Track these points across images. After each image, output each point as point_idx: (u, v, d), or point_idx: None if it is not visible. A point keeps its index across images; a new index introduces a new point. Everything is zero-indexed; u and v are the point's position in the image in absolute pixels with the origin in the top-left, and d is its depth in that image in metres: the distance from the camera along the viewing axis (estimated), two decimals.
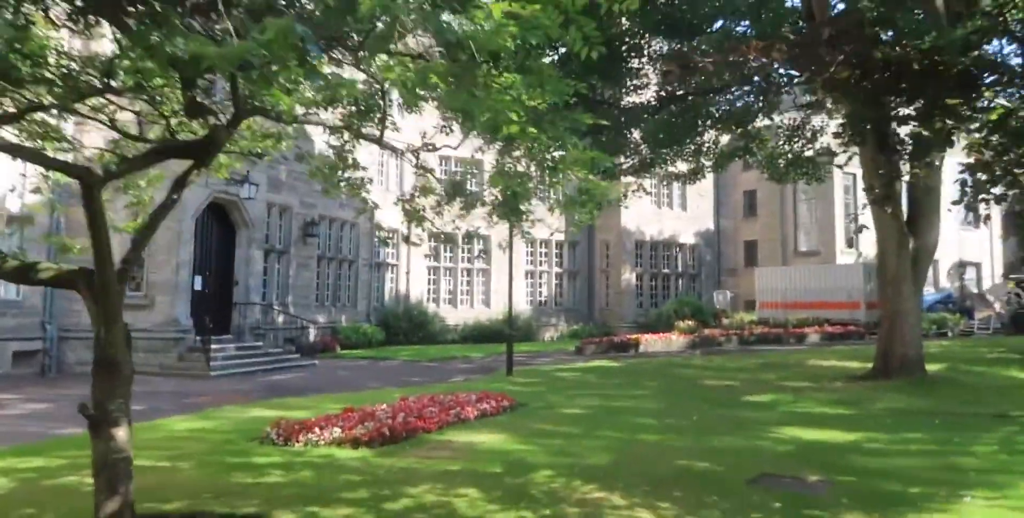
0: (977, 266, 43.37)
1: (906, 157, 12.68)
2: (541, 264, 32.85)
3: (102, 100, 5.36)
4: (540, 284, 32.76)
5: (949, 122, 10.16)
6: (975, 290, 39.99)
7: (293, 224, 22.61)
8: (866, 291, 31.55)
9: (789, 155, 21.42)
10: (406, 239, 7.88)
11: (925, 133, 10.56)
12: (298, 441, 7.52)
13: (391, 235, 24.17)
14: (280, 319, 21.03)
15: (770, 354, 20.22)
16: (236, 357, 16.58)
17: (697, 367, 16.58)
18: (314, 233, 23.42)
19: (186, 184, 4.92)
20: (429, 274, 29.88)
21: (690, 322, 27.35)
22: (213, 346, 16.22)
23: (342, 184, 6.74)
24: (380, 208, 7.77)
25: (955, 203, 11.00)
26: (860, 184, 40.69)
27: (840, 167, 21.74)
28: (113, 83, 4.62)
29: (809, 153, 21.48)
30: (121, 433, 4.31)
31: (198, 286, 16.98)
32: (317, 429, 7.63)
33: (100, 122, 5.40)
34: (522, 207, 7.03)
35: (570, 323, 32.06)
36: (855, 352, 19.56)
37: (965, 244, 44.43)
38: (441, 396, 10.08)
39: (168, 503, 5.27)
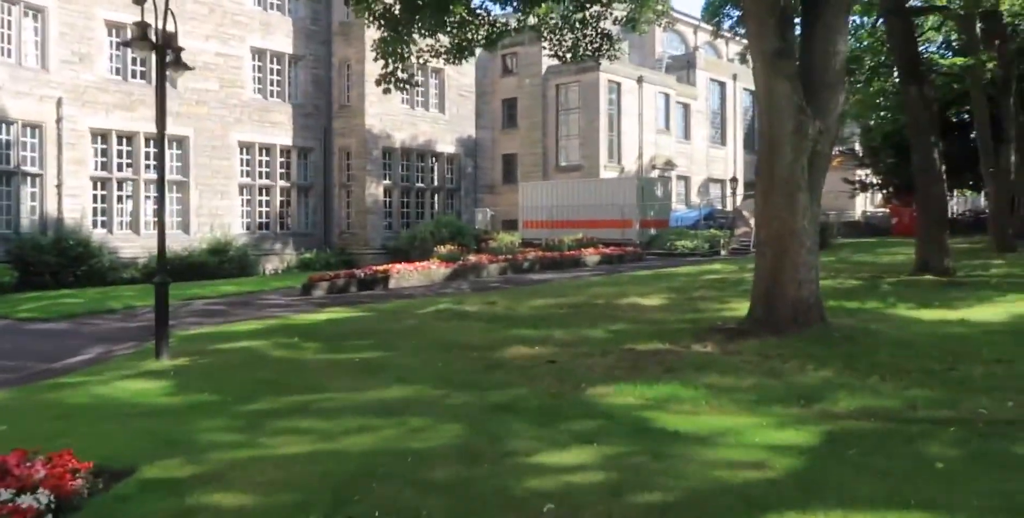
0: (722, 183, 43.00)
1: None
2: (262, 176, 25.45)
3: None
4: (261, 202, 25.46)
5: None
6: (719, 206, 39.07)
7: None
8: (641, 208, 28.54)
9: (578, 25, 16.41)
10: None
11: None
12: None
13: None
14: None
15: (560, 287, 15.52)
16: None
17: (477, 318, 11.24)
18: None
19: None
20: (96, 188, 21.36)
21: (451, 247, 22.07)
22: None
23: None
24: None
25: None
26: (625, 93, 37.81)
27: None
28: None
29: (607, 23, 16.61)
30: None
31: None
32: None
33: None
34: None
35: (301, 251, 25.37)
36: (666, 281, 15.50)
37: (713, 162, 43.93)
38: None
39: None
